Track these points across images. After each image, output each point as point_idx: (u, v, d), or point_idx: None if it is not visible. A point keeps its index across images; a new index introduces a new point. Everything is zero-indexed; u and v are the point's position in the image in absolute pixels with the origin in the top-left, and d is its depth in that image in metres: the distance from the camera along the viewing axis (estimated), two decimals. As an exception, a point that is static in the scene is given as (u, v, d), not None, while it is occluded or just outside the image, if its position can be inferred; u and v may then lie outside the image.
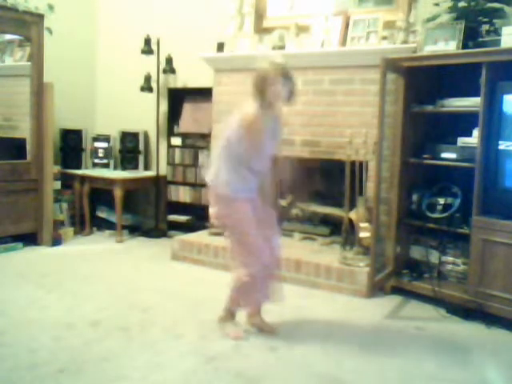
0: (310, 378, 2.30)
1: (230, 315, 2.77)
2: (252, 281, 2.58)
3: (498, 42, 2.97)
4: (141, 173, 5.01)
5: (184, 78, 4.82)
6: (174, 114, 4.88)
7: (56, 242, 4.46)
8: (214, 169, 2.62)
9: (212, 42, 4.36)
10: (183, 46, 4.70)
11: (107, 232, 4.95)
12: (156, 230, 4.95)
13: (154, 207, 5.01)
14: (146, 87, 4.84)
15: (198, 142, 4.76)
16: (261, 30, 4.26)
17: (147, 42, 4.72)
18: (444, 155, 3.20)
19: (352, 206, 3.73)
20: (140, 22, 5.00)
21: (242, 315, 2.79)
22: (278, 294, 2.74)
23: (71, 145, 5.10)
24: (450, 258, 3.29)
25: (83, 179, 4.88)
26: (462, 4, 3.27)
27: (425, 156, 3.28)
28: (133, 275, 3.76)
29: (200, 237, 4.19)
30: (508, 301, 2.82)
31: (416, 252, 3.47)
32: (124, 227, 4.87)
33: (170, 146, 4.92)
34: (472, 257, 2.99)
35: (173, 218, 4.90)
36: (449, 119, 3.34)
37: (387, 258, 3.43)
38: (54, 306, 3.07)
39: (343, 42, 3.81)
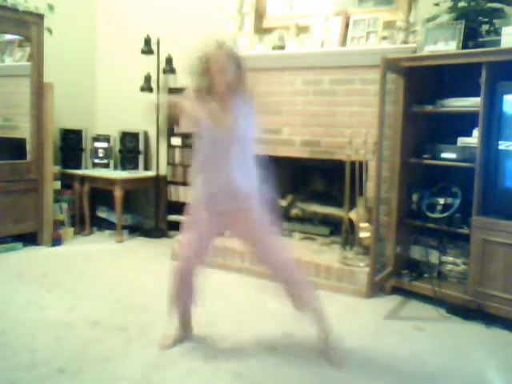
0: (309, 377, 2.30)
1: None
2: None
3: (497, 42, 2.97)
4: (141, 173, 5.01)
5: (184, 78, 4.81)
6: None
7: (56, 241, 4.46)
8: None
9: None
10: (183, 46, 4.68)
11: (107, 232, 4.95)
12: (156, 230, 4.95)
13: (154, 207, 5.01)
14: (146, 87, 4.83)
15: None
16: (261, 30, 4.25)
17: (147, 41, 4.72)
18: (444, 155, 3.19)
19: (352, 206, 3.72)
20: (140, 21, 5.00)
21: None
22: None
23: (71, 145, 5.09)
24: (450, 258, 3.29)
25: (83, 179, 4.87)
26: (462, 4, 3.26)
27: (425, 156, 3.27)
28: (133, 275, 3.75)
29: (200, 237, 4.18)
30: (508, 301, 2.82)
31: (416, 252, 3.47)
32: (124, 227, 4.86)
33: (170, 146, 4.91)
34: (472, 257, 2.99)
35: (173, 218, 4.90)
36: (449, 119, 3.34)
37: (387, 258, 3.43)
38: (54, 306, 3.06)
39: (343, 42, 3.81)
